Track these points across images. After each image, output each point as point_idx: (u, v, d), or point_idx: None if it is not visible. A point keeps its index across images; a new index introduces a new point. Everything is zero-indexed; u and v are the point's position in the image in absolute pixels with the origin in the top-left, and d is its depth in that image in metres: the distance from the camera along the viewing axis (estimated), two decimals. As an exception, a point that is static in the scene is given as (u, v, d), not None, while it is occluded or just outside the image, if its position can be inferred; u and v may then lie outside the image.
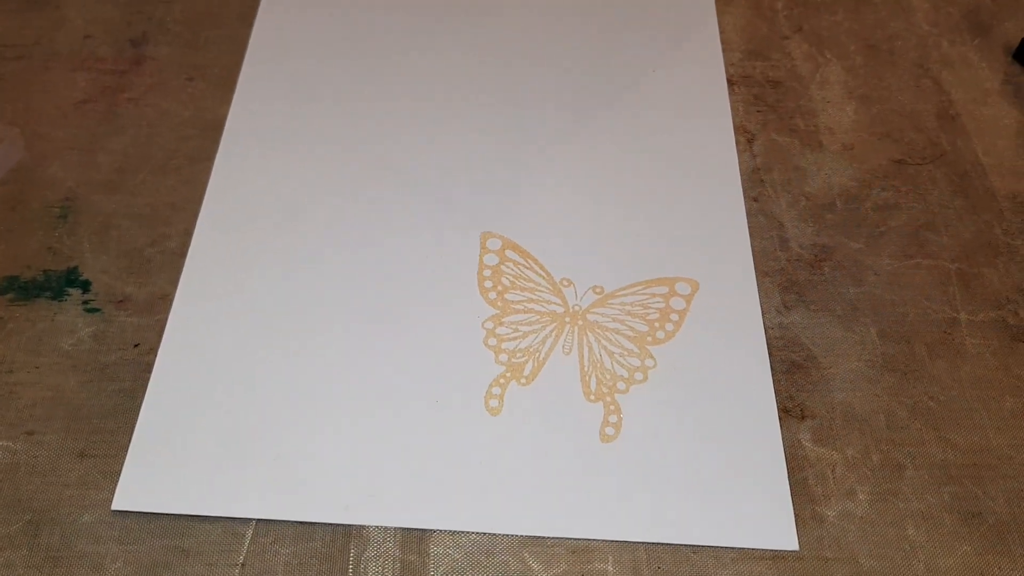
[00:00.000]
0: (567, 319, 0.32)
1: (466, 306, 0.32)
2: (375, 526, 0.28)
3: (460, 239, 0.34)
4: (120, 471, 0.28)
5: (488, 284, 0.33)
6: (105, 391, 0.30)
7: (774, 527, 0.28)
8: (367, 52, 0.39)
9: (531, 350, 0.31)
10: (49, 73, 0.38)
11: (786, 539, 0.28)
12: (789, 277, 0.33)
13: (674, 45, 0.40)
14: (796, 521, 0.28)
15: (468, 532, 0.28)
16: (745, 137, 0.37)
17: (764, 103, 0.39)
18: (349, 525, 0.27)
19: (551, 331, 0.32)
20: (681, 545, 0.27)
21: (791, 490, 0.29)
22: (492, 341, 0.31)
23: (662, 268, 0.33)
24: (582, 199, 0.35)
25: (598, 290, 0.33)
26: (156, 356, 0.30)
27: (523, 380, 0.31)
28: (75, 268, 0.32)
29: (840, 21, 0.42)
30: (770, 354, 0.31)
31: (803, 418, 0.30)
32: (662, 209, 0.35)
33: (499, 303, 0.32)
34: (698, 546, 0.27)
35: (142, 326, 0.31)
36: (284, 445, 0.29)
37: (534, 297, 0.33)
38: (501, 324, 0.32)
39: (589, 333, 0.32)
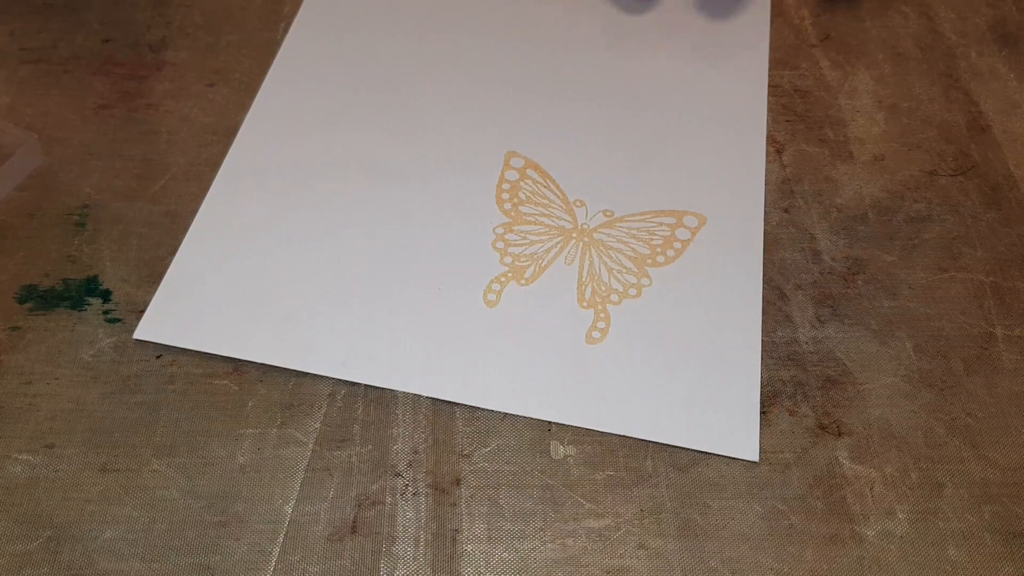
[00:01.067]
0: (574, 235, 0.34)
1: (482, 212, 0.34)
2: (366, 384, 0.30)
3: (487, 154, 0.36)
4: (142, 485, 0.27)
5: (505, 196, 0.35)
6: (127, 403, 0.29)
7: (738, 437, 0.29)
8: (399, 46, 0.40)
9: (535, 256, 0.33)
10: (68, 77, 0.37)
11: (748, 450, 0.29)
12: (822, 290, 0.33)
13: (709, 28, 0.41)
14: (834, 540, 0.27)
15: (447, 401, 0.30)
16: (774, 147, 0.37)
17: (793, 113, 0.38)
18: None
19: (557, 243, 0.34)
20: (645, 440, 0.29)
21: (761, 409, 0.30)
22: (500, 244, 0.33)
23: (674, 201, 0.35)
24: (609, 130, 0.37)
25: (608, 213, 0.35)
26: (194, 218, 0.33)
27: (523, 281, 0.33)
28: (95, 277, 0.32)
29: (867, 29, 0.41)
30: (805, 369, 0.31)
31: (840, 435, 0.30)
32: (682, 147, 0.37)
33: (512, 213, 0.34)
34: (659, 443, 0.29)
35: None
36: (294, 306, 0.31)
37: (546, 212, 0.35)
38: (511, 231, 0.34)
39: (592, 249, 0.34)
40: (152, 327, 0.30)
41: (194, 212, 0.33)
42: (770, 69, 0.39)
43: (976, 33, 0.42)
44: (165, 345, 0.30)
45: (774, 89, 0.39)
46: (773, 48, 0.40)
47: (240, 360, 0.30)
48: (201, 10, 0.40)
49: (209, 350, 0.30)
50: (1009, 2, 0.43)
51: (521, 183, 0.35)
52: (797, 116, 0.38)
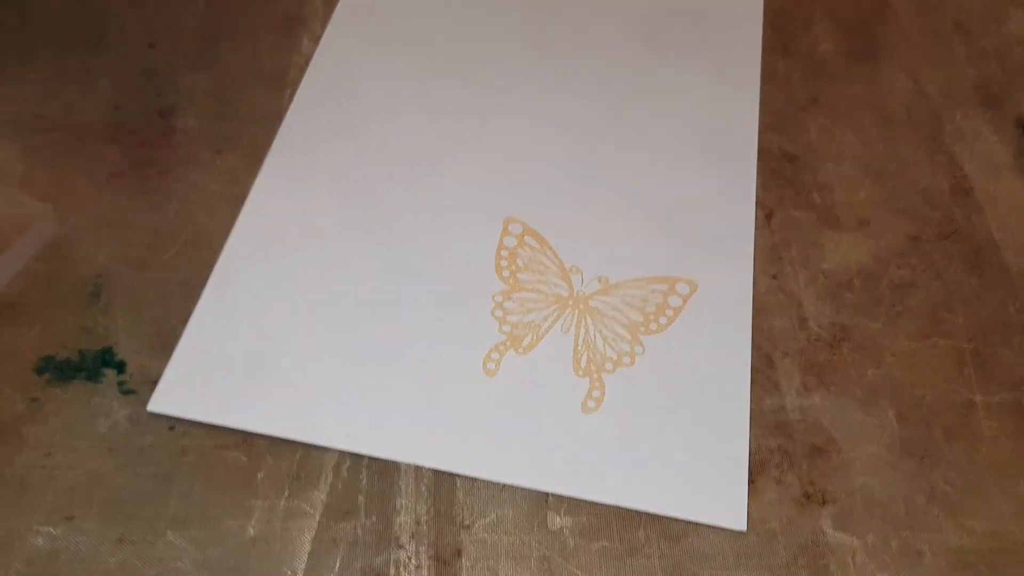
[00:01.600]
0: (570, 302, 0.35)
1: (481, 279, 0.36)
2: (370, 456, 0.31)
3: (486, 220, 0.37)
4: (158, 557, 0.29)
5: (504, 263, 0.36)
6: (141, 475, 0.30)
7: (727, 506, 0.31)
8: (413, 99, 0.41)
9: (532, 325, 0.35)
10: (81, 145, 0.38)
11: (736, 520, 0.30)
12: (809, 358, 0.34)
13: (715, 78, 0.42)
14: (818, 609, 0.29)
15: (446, 471, 0.31)
16: (764, 212, 0.38)
17: (782, 177, 0.39)
18: None
19: (553, 311, 0.35)
20: (637, 511, 0.31)
21: (749, 478, 0.31)
22: (499, 312, 0.35)
23: (666, 267, 0.36)
24: (603, 197, 0.39)
25: (603, 280, 0.36)
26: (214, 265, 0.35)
27: (521, 350, 0.34)
28: (110, 348, 0.33)
29: (855, 92, 0.43)
30: (792, 438, 0.32)
31: (824, 503, 0.31)
32: (675, 213, 0.38)
33: (511, 280, 0.36)
34: (651, 513, 0.30)
35: (177, 409, 0.32)
36: (300, 376, 0.33)
37: (543, 279, 0.36)
38: (509, 299, 0.35)
39: (588, 317, 0.35)
40: (165, 400, 0.32)
41: (204, 281, 0.35)
42: (760, 133, 0.41)
43: (961, 95, 0.43)
44: (178, 424, 0.31)
45: (764, 153, 0.40)
46: (763, 112, 0.41)
47: (249, 431, 0.31)
48: (209, 76, 0.41)
49: (219, 422, 0.31)
50: (993, 62, 0.44)
51: (519, 249, 0.37)
52: (786, 181, 0.39)
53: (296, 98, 0.40)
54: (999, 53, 0.45)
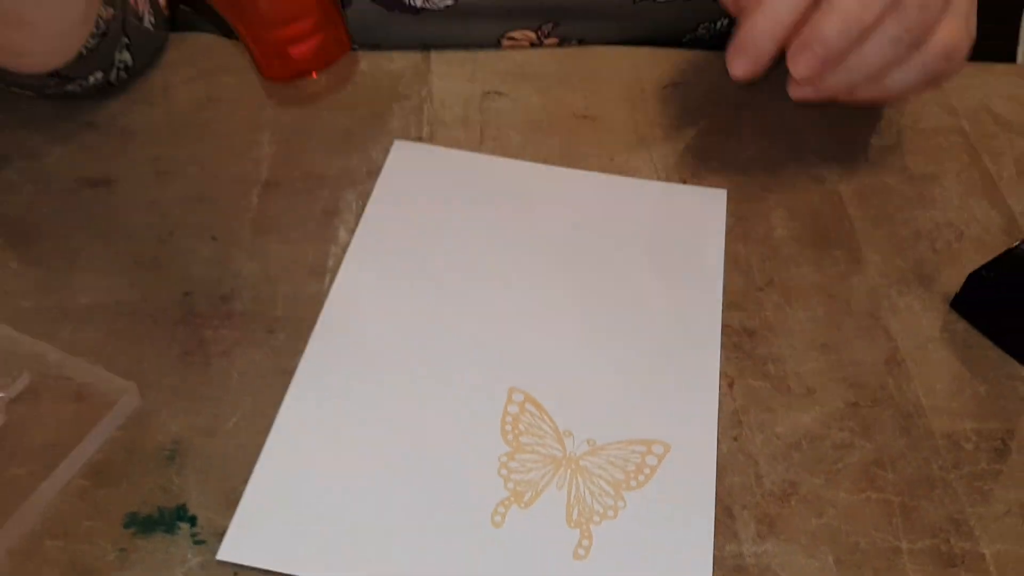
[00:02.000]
0: (563, 462, 0.42)
1: (487, 442, 0.43)
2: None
3: (492, 390, 0.45)
4: None
5: (508, 428, 0.43)
6: (211, 615, 0.37)
7: None
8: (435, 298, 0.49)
9: (532, 482, 0.41)
10: (156, 328, 0.46)
11: None
12: (763, 510, 0.41)
13: (673, 285, 0.50)
14: None
15: None
16: (727, 381, 0.46)
17: (742, 351, 0.47)
18: None
19: (550, 470, 0.42)
20: None
21: None
22: (504, 472, 0.42)
23: (644, 431, 0.44)
24: (591, 372, 0.46)
25: (591, 442, 0.43)
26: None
27: (523, 504, 0.41)
28: (183, 505, 0.40)
29: (805, 274, 0.51)
30: (747, 580, 0.39)
31: (774, 637, 0.37)
32: (652, 383, 0.46)
33: (514, 443, 0.43)
34: None
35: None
36: (344, 528, 0.40)
37: (541, 443, 0.43)
38: (513, 459, 0.42)
39: (579, 476, 0.42)
40: (231, 550, 0.39)
41: (262, 445, 0.42)
42: (723, 311, 0.48)
43: (897, 274, 0.51)
44: (241, 570, 0.38)
45: (727, 328, 0.48)
46: (726, 293, 0.49)
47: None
48: (262, 266, 0.49)
49: (278, 569, 0.38)
50: (927, 245, 0.52)
51: (521, 416, 0.44)
52: (745, 354, 0.47)
53: (334, 287, 0.48)
54: (930, 237, 0.53)
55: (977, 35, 0.52)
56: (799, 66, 0.48)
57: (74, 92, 0.55)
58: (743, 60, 0.49)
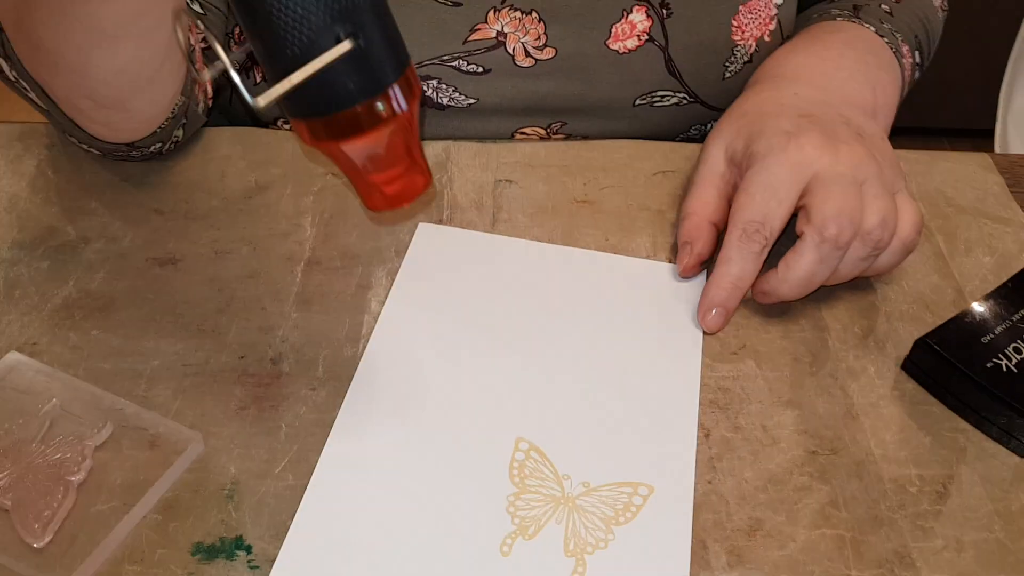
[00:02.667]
0: (562, 501, 0.49)
1: (497, 483, 0.50)
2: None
3: (502, 439, 0.52)
4: None
5: (515, 472, 0.51)
6: (265, 627, 0.44)
7: None
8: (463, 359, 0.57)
9: (535, 518, 0.49)
10: (216, 386, 0.54)
11: None
12: (732, 543, 0.48)
13: (659, 349, 0.58)
14: None
15: None
16: (703, 432, 0.53)
17: (717, 405, 0.54)
18: None
19: (551, 508, 0.49)
20: None
21: None
22: (511, 509, 0.49)
23: (632, 474, 0.51)
24: (588, 423, 0.53)
25: (586, 484, 0.50)
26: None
27: (527, 536, 0.48)
28: (241, 536, 0.48)
29: (773, 339, 0.58)
30: (717, 601, 0.46)
31: (739, 649, 0.44)
32: (638, 432, 0.53)
33: (520, 484, 0.50)
34: None
35: (289, 580, 0.46)
36: (375, 563, 0.47)
37: (543, 484, 0.50)
38: (519, 499, 0.49)
39: (575, 513, 0.49)
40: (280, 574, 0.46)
41: (305, 487, 0.50)
42: (702, 371, 0.56)
43: (853, 340, 0.58)
44: (291, 587, 0.46)
45: (704, 387, 0.55)
46: (704, 356, 0.57)
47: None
48: (305, 332, 0.57)
49: None
50: (882, 317, 0.60)
51: (526, 462, 0.51)
52: (720, 408, 0.54)
53: (367, 351, 0.56)
54: (885, 307, 0.61)
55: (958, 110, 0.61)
56: (764, 300, 0.60)
57: (133, 157, 0.65)
58: (719, 318, 0.58)
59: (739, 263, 0.57)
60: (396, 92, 0.42)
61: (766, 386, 0.56)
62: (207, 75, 0.42)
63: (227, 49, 0.41)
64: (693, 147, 0.72)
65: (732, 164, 0.61)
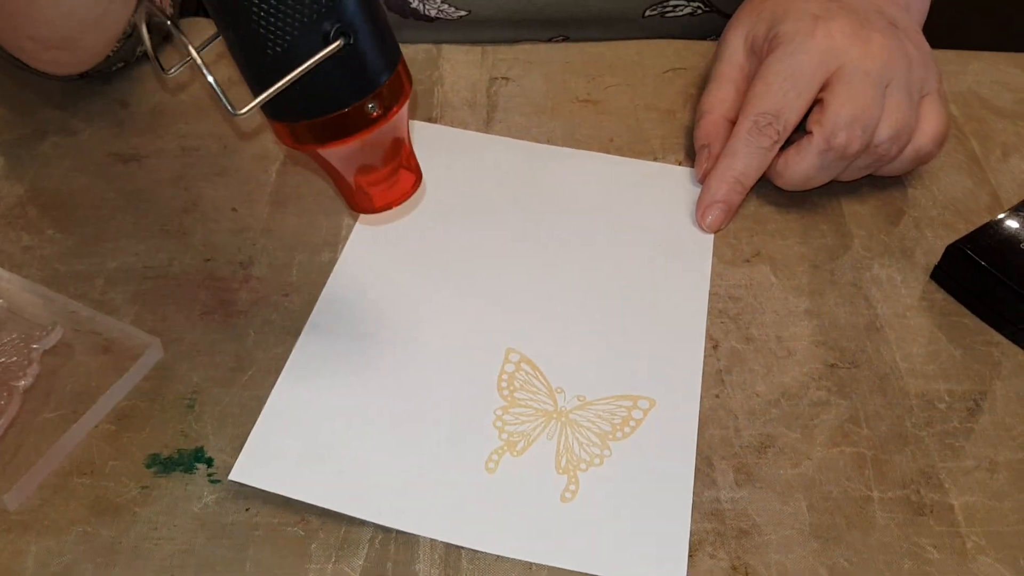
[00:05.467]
0: (555, 416, 0.45)
1: (485, 396, 0.46)
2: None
3: (491, 350, 0.48)
4: (236, 607, 0.38)
5: (504, 384, 0.46)
6: (225, 545, 0.40)
7: (667, 570, 0.40)
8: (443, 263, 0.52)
9: (524, 433, 0.45)
10: (179, 289, 0.50)
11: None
12: (741, 461, 0.44)
13: (665, 255, 0.53)
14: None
15: (455, 545, 0.41)
16: (712, 343, 0.48)
17: (727, 315, 0.50)
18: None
19: (541, 423, 0.45)
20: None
21: (689, 553, 0.40)
22: (499, 424, 0.45)
23: (631, 387, 0.47)
24: (583, 332, 0.49)
25: (581, 398, 0.46)
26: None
27: (515, 453, 0.44)
28: (201, 448, 0.43)
29: (790, 246, 0.53)
30: (724, 522, 0.41)
31: (747, 575, 0.40)
32: (640, 343, 0.49)
33: (509, 398, 0.46)
34: None
35: (252, 494, 0.42)
36: (346, 464, 0.43)
37: (534, 398, 0.46)
38: (507, 413, 0.45)
39: (568, 428, 0.45)
40: (242, 473, 0.42)
41: (273, 397, 0.45)
42: (711, 279, 0.51)
43: (879, 247, 0.53)
44: (251, 499, 0.41)
45: (714, 296, 0.50)
46: (715, 263, 0.52)
47: (306, 512, 0.41)
48: (279, 235, 0.52)
49: (283, 493, 0.41)
50: (910, 222, 0.55)
51: (516, 374, 0.47)
52: (730, 318, 0.49)
53: (343, 254, 0.52)
54: (914, 214, 0.55)
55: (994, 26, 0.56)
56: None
57: (93, 77, 0.59)
58: (719, 215, 0.53)
59: (745, 158, 0.52)
60: (387, 92, 0.38)
61: (781, 295, 0.51)
62: (174, 73, 0.39)
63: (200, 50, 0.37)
64: (709, 44, 0.66)
65: (752, 54, 0.55)
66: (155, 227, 0.53)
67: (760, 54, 0.54)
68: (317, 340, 0.48)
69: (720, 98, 0.56)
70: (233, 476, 0.42)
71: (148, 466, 0.43)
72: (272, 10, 0.34)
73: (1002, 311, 0.49)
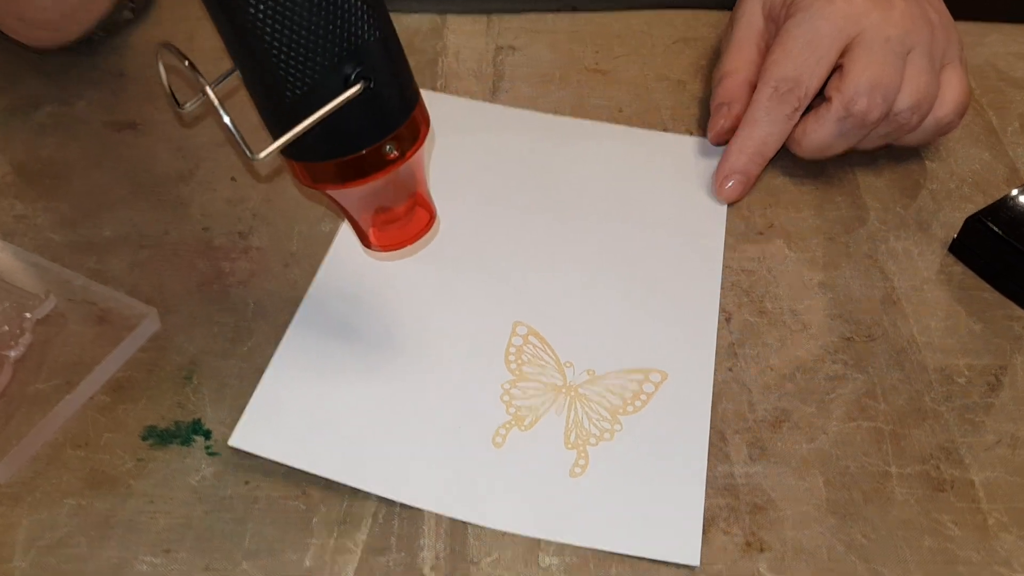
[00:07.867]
0: (563, 390, 0.44)
1: (492, 370, 0.45)
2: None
3: (498, 323, 0.46)
4: (234, 582, 0.37)
5: (512, 358, 0.45)
6: (222, 518, 0.39)
7: (685, 549, 0.39)
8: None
9: (533, 408, 0.43)
10: (177, 259, 0.48)
11: (692, 558, 0.38)
12: (755, 435, 0.42)
13: (677, 227, 0.51)
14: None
15: (460, 520, 0.39)
16: (725, 316, 0.47)
17: (740, 288, 0.48)
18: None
19: (550, 397, 0.44)
20: (612, 553, 0.38)
21: (703, 528, 0.39)
22: (506, 398, 0.43)
23: (643, 360, 0.45)
24: (593, 306, 0.48)
25: (590, 372, 0.45)
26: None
27: (523, 427, 0.42)
28: (199, 420, 0.42)
29: (805, 218, 0.52)
30: (738, 497, 0.40)
31: (762, 551, 0.39)
32: (652, 316, 0.47)
33: (517, 372, 0.44)
34: (623, 555, 0.38)
35: (251, 467, 0.40)
36: (351, 436, 0.42)
37: (543, 372, 0.45)
38: (515, 387, 0.44)
39: (577, 402, 0.44)
40: (241, 439, 0.41)
41: (273, 368, 0.44)
42: (725, 252, 0.50)
43: (895, 220, 0.52)
44: (250, 472, 0.40)
45: (727, 269, 0.49)
46: (728, 235, 0.50)
47: (307, 485, 0.40)
48: (279, 204, 0.51)
49: (284, 461, 0.40)
50: (927, 195, 0.53)
51: (524, 347, 0.45)
52: (743, 291, 0.48)
53: (344, 226, 0.50)
54: (931, 186, 0.54)
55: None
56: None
57: (74, 49, 0.58)
58: (738, 186, 0.52)
59: (766, 126, 0.51)
60: (405, 133, 0.37)
61: (796, 268, 0.49)
62: (190, 108, 0.39)
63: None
64: (718, 14, 0.64)
65: (771, 20, 0.54)
66: (151, 196, 0.51)
67: (778, 20, 0.53)
68: (319, 309, 0.46)
69: (745, 60, 0.54)
70: (232, 442, 0.41)
71: (144, 438, 0.41)
72: (294, 54, 0.33)
73: (1023, 284, 0.48)
